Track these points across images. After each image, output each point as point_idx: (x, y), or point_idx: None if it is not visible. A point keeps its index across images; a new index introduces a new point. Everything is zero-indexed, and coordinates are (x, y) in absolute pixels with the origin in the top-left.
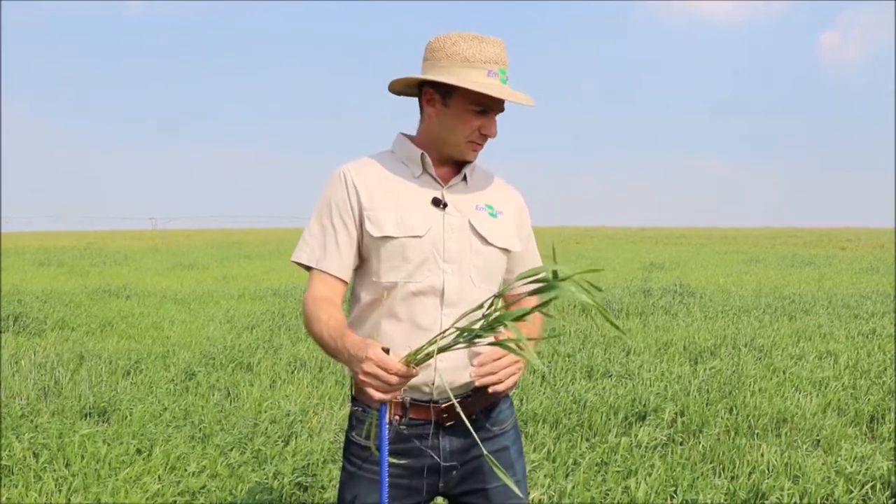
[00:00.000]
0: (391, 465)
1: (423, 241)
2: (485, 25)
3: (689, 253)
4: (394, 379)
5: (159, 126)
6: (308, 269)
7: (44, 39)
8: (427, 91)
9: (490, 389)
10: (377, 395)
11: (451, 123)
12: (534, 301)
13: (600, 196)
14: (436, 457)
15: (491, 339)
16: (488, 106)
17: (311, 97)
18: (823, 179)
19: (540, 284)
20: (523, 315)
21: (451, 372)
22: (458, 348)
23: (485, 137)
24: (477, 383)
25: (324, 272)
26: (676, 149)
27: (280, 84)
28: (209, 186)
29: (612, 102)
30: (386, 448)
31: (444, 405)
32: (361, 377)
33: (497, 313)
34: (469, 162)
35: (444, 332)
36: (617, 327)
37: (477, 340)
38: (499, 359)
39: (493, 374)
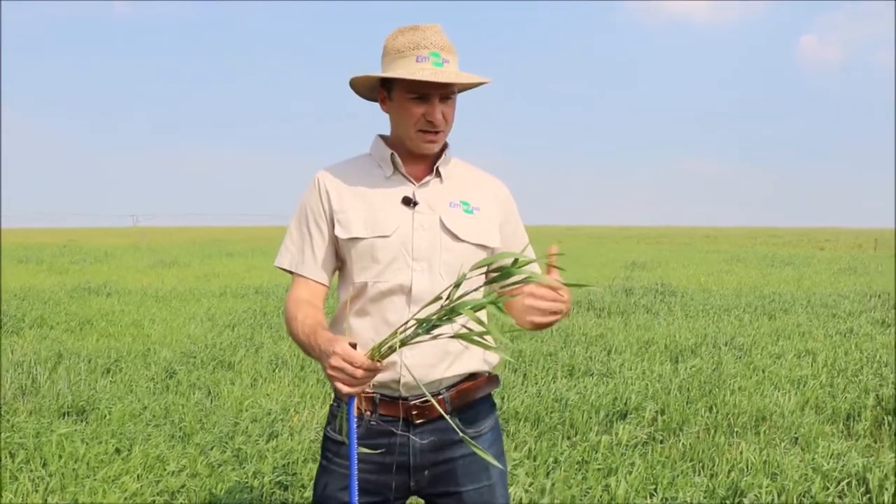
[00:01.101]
0: (361, 459)
1: (391, 241)
2: (468, 26)
3: (670, 252)
4: (359, 372)
5: (143, 125)
6: (291, 272)
7: (28, 38)
8: (379, 91)
9: (535, 320)
10: (344, 388)
11: (398, 116)
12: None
13: (583, 195)
14: (405, 454)
15: (452, 330)
16: (425, 92)
17: (302, 98)
18: (803, 180)
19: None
20: (480, 305)
21: (418, 369)
22: (419, 341)
23: (432, 125)
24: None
25: (303, 276)
26: (658, 149)
27: (269, 85)
28: (192, 184)
29: (595, 103)
30: (354, 441)
31: (412, 402)
32: (329, 371)
33: (454, 303)
34: (430, 155)
35: (405, 324)
36: (578, 285)
37: (439, 333)
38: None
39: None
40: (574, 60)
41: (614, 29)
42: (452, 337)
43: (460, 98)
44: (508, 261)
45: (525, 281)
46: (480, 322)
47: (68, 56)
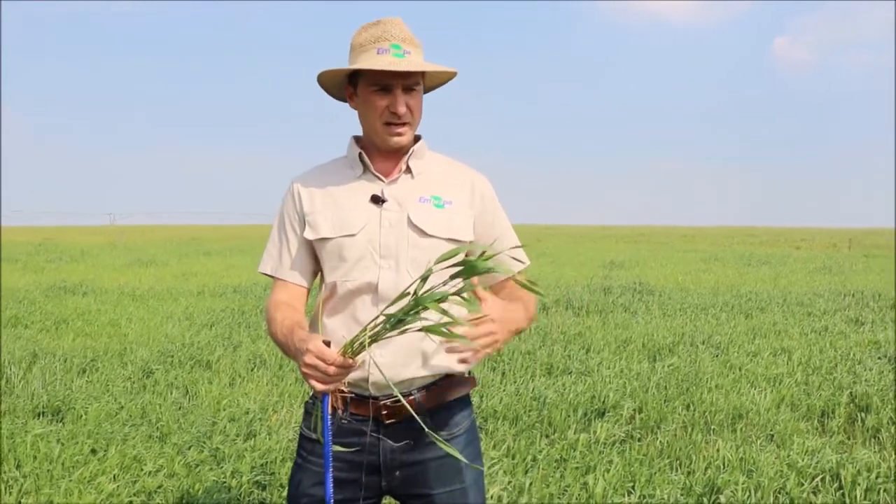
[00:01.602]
0: (333, 457)
1: (358, 239)
2: (438, 27)
3: (649, 251)
4: (332, 370)
5: (121, 122)
6: (272, 277)
7: (20, 37)
8: (346, 89)
9: (458, 360)
10: (318, 386)
11: (364, 110)
12: (517, 286)
13: (562, 194)
14: (375, 454)
15: (422, 324)
16: (386, 84)
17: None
18: (779, 180)
19: (460, 268)
20: (443, 297)
21: (389, 368)
22: (389, 336)
23: (396, 116)
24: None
25: (283, 280)
26: (636, 149)
27: (249, 84)
28: (171, 183)
29: (573, 103)
30: (329, 439)
31: (383, 402)
32: (303, 369)
33: (419, 297)
34: (401, 152)
35: (374, 319)
36: (538, 293)
37: (407, 328)
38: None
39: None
40: (553, 60)
41: (590, 29)
42: (420, 330)
43: (446, 100)
44: (473, 253)
45: (488, 272)
46: (446, 313)
47: (61, 54)
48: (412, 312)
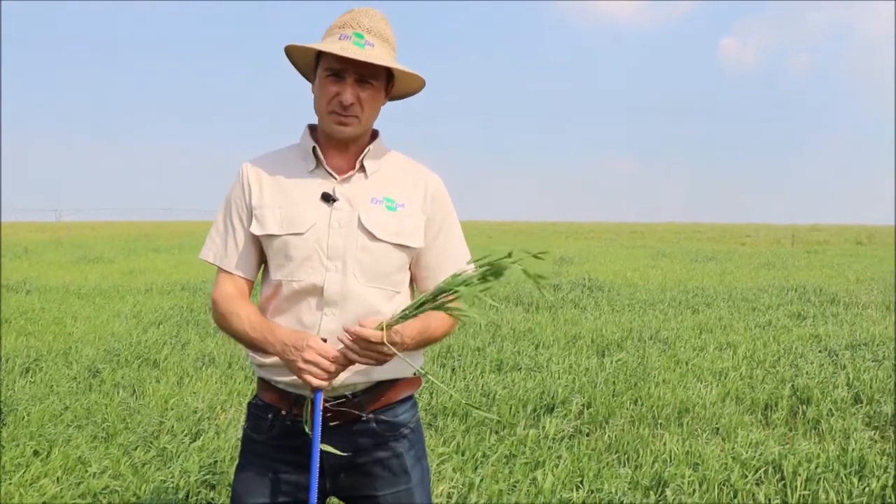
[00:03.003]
0: (278, 458)
1: (305, 239)
2: (402, 23)
3: (598, 247)
4: (333, 366)
5: (69, 115)
6: (216, 266)
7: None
8: (313, 73)
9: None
10: (315, 381)
11: (316, 95)
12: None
13: (514, 192)
14: (320, 456)
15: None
16: (338, 68)
17: (235, 95)
18: (726, 178)
19: (488, 266)
20: (469, 282)
21: None
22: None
23: (342, 106)
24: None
25: (228, 272)
26: (586, 147)
27: (201, 81)
28: (117, 179)
29: (525, 101)
30: (318, 435)
31: (326, 404)
32: (301, 365)
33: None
34: (355, 149)
35: (394, 316)
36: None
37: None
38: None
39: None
40: (509, 59)
41: (546, 29)
42: (435, 308)
43: (411, 102)
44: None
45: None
46: (477, 295)
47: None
48: (441, 294)
